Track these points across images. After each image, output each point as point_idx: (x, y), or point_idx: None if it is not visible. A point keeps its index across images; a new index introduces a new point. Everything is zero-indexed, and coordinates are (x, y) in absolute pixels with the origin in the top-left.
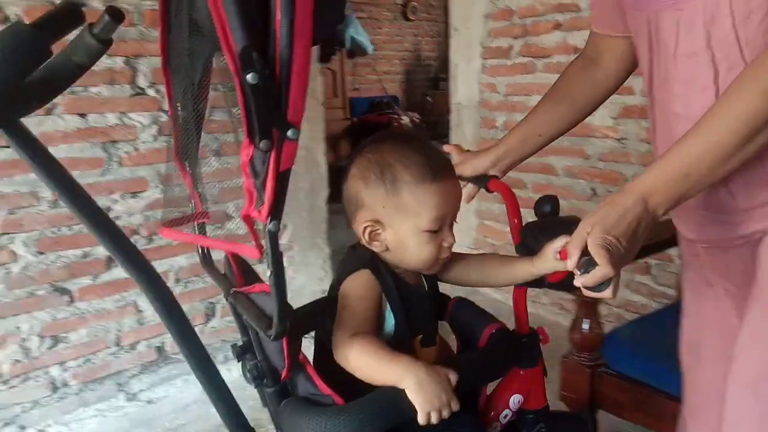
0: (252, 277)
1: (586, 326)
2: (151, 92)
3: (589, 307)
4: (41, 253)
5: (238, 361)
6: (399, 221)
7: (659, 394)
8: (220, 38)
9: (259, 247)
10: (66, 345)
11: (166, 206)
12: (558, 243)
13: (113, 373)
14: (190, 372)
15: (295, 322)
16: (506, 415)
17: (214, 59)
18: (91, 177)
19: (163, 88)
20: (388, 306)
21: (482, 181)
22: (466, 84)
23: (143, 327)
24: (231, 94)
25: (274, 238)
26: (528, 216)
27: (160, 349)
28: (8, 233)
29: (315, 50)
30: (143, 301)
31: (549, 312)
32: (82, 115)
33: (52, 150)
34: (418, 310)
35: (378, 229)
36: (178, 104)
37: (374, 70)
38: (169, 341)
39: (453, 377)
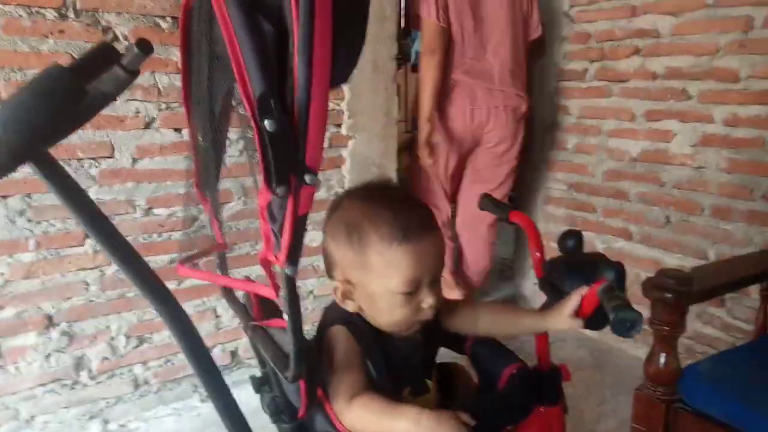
0: (270, 309)
1: (662, 360)
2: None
3: (665, 341)
4: None
5: (257, 393)
6: (369, 283)
7: None
8: (239, 84)
9: (276, 287)
10: (149, 345)
11: (186, 245)
12: (574, 301)
13: (190, 374)
14: None
15: (314, 361)
16: None
17: (234, 103)
18: (182, 188)
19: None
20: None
21: (503, 211)
22: (538, 105)
23: (219, 332)
24: (251, 137)
25: (291, 282)
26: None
27: (234, 354)
28: None
29: (392, 66)
30: (221, 307)
31: (614, 338)
32: (177, 130)
33: (148, 162)
34: (403, 362)
35: (350, 289)
36: (199, 135)
37: None
38: (242, 346)
39: (465, 417)
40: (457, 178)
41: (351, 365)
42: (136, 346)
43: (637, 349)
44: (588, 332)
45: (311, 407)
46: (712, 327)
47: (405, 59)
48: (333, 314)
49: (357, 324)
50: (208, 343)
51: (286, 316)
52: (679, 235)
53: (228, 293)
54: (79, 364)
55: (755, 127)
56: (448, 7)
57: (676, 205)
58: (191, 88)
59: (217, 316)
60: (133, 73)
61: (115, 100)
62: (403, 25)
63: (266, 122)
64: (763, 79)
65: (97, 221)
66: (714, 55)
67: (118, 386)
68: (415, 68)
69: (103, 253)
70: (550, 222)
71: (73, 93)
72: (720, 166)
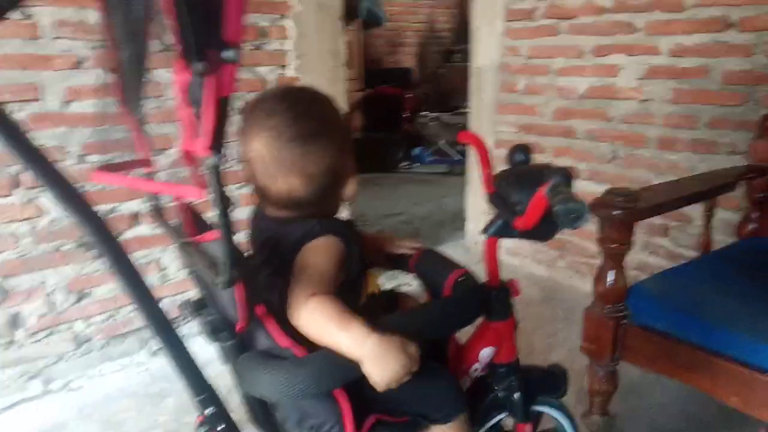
0: (204, 226)
1: (610, 278)
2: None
3: (614, 258)
4: None
5: (195, 316)
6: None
7: (685, 345)
8: None
9: (202, 186)
10: (90, 300)
11: (106, 150)
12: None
13: (135, 329)
14: None
15: (247, 269)
16: (476, 369)
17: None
18: (119, 133)
19: None
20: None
21: (451, 133)
22: (487, 47)
23: (166, 284)
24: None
25: (216, 172)
26: None
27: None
28: (34, 188)
29: (337, 3)
30: (167, 258)
31: (564, 276)
32: (112, 71)
33: (79, 104)
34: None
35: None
36: (119, 43)
37: (388, 42)
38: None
39: (412, 349)
40: None
41: (327, 270)
42: (76, 302)
43: (586, 284)
44: (538, 271)
45: (251, 321)
46: (658, 256)
47: (354, 15)
48: (313, 228)
49: (337, 229)
50: (154, 295)
51: (212, 213)
52: (626, 169)
53: (158, 214)
54: (13, 321)
55: (700, 55)
56: None
57: (623, 140)
58: None
59: (162, 269)
60: None
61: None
62: None
63: None
64: (708, 7)
65: (19, 141)
66: None
67: (57, 344)
68: (366, 25)
69: (33, 179)
70: (501, 165)
71: None
72: (665, 98)
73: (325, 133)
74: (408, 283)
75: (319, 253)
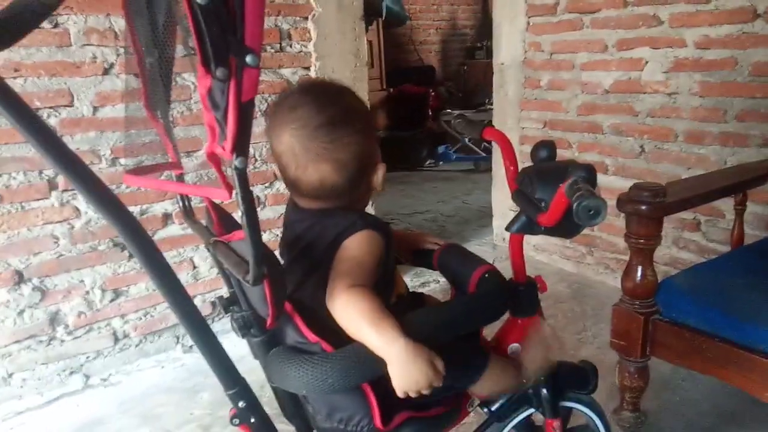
0: (232, 225)
1: (639, 273)
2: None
3: (642, 254)
4: None
5: (226, 313)
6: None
7: (717, 340)
8: None
9: (229, 187)
10: (126, 298)
11: (135, 154)
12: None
13: (171, 326)
14: None
15: (276, 266)
16: None
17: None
18: (147, 136)
19: None
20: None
21: (476, 130)
22: (509, 44)
23: (198, 282)
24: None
25: (241, 174)
26: None
27: (214, 304)
28: (70, 190)
29: (358, 3)
30: (199, 257)
31: (593, 272)
32: (138, 76)
33: (110, 110)
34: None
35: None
36: (144, 49)
37: (410, 40)
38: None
39: (439, 364)
40: None
41: (367, 263)
42: (113, 300)
43: (616, 280)
44: (567, 267)
45: (279, 317)
46: (689, 251)
47: (376, 14)
48: (356, 221)
49: (379, 224)
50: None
51: (240, 213)
52: (654, 164)
53: (188, 216)
54: (54, 319)
55: (726, 47)
56: None
57: (650, 134)
58: None
59: (194, 267)
60: None
61: (55, 9)
62: None
63: None
64: None
65: (54, 146)
66: None
67: (96, 340)
68: (388, 23)
69: (68, 182)
70: (526, 162)
71: None
72: (692, 91)
73: (351, 120)
74: (435, 279)
75: (363, 245)
